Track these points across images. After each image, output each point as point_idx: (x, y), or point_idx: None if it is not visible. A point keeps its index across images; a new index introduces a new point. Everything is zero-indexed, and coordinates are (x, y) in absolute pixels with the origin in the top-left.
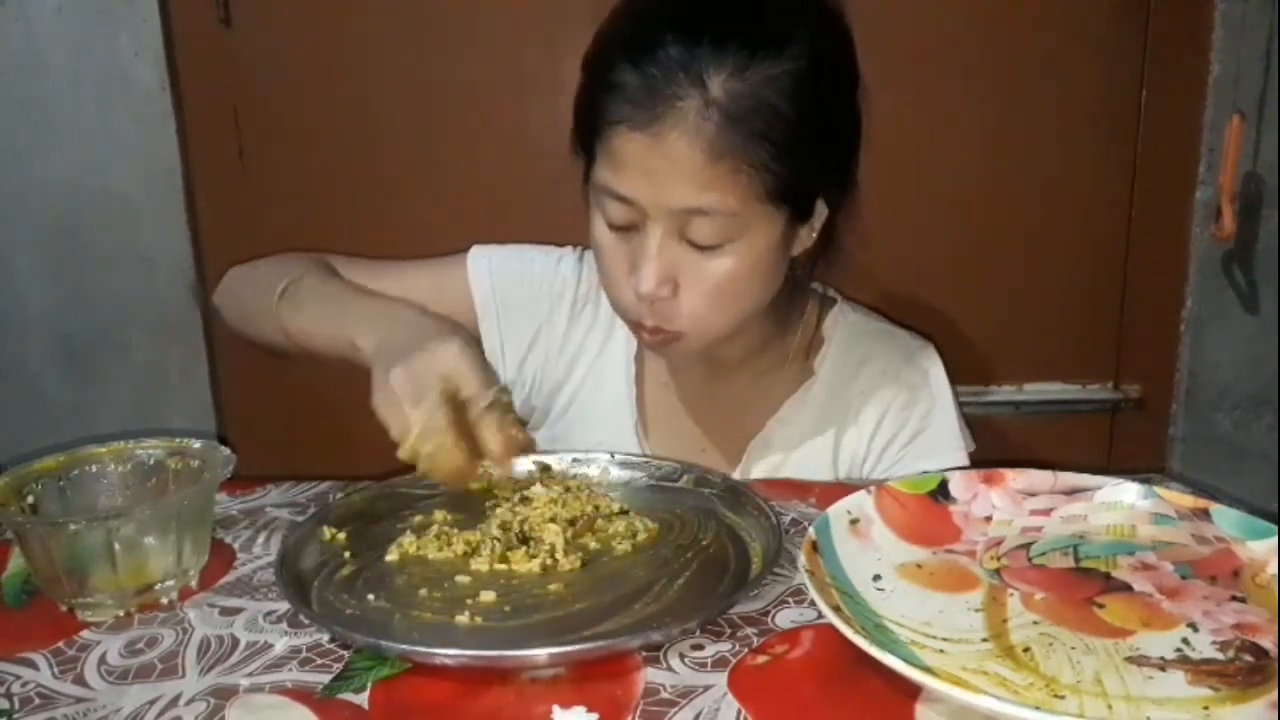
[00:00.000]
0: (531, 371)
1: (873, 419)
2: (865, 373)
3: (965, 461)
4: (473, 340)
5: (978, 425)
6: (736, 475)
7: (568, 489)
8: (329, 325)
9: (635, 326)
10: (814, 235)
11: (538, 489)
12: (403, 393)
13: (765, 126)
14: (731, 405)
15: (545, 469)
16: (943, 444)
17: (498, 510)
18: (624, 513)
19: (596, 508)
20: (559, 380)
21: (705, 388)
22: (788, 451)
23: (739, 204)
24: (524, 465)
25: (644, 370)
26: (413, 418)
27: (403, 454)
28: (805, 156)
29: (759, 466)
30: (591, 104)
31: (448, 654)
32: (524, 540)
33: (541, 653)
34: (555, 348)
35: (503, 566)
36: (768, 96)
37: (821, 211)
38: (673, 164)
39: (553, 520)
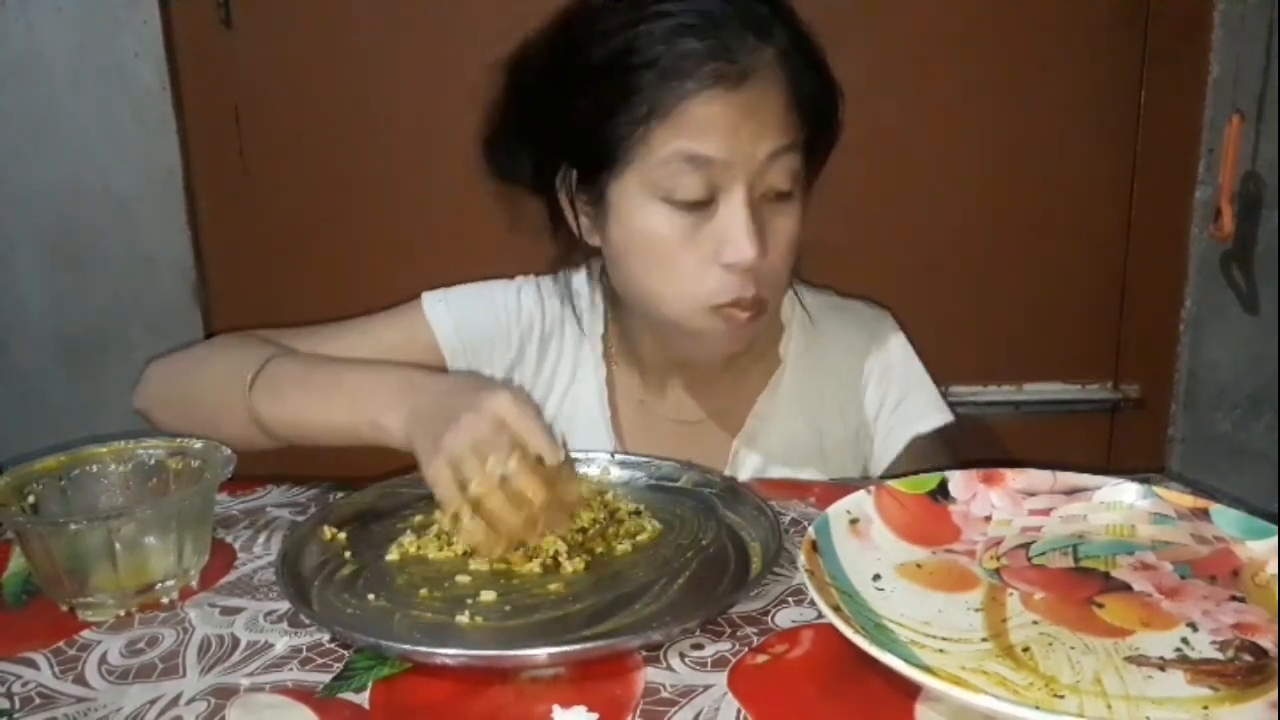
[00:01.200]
0: None
1: (853, 396)
2: (831, 351)
3: (952, 420)
4: (521, 391)
5: (977, 425)
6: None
7: (581, 495)
8: (334, 409)
9: (720, 313)
10: None
11: None
12: (462, 455)
13: (814, 70)
14: (708, 411)
15: None
16: (928, 406)
17: None
18: (637, 513)
19: (613, 514)
20: None
21: (682, 398)
22: (771, 444)
23: (802, 140)
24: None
25: (616, 394)
26: (478, 470)
27: (449, 510)
28: (824, 102)
29: (746, 465)
30: (636, 89)
31: (448, 654)
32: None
33: (542, 652)
34: (529, 382)
35: (502, 566)
36: (803, 46)
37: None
38: (763, 114)
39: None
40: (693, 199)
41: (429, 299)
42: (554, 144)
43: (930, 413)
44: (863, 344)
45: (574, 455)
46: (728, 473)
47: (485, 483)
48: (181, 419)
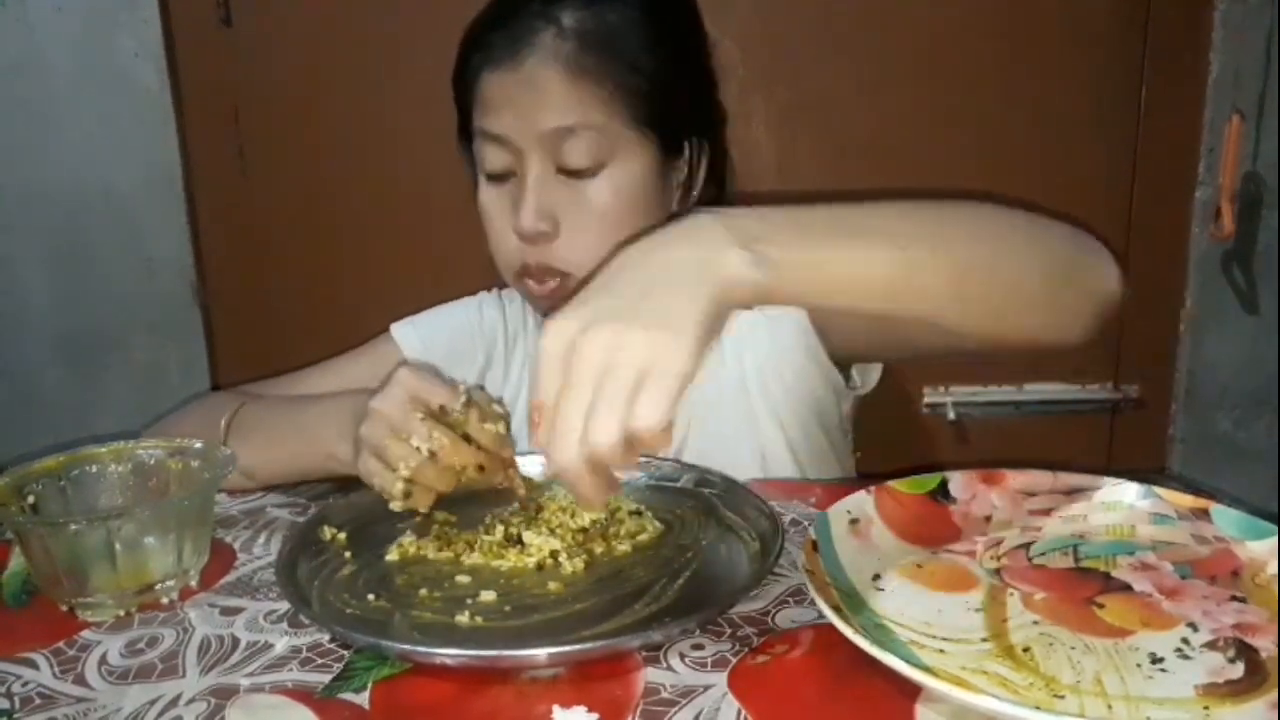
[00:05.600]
0: None
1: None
2: None
3: None
4: (418, 363)
5: (978, 425)
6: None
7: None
8: (294, 446)
9: (521, 278)
10: (694, 193)
11: (555, 492)
12: (379, 438)
13: (618, 49)
14: None
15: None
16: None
17: (497, 512)
18: (638, 513)
19: (613, 513)
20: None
21: None
22: (701, 385)
23: (604, 119)
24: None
25: None
26: (403, 450)
27: (397, 494)
28: (660, 82)
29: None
30: (463, 75)
31: (448, 654)
32: (518, 540)
33: (541, 652)
34: (499, 385)
35: (500, 563)
36: (616, 25)
37: (688, 158)
38: (536, 88)
39: (555, 529)
40: (497, 171)
41: (396, 326)
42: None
43: None
44: None
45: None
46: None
47: (415, 466)
48: None
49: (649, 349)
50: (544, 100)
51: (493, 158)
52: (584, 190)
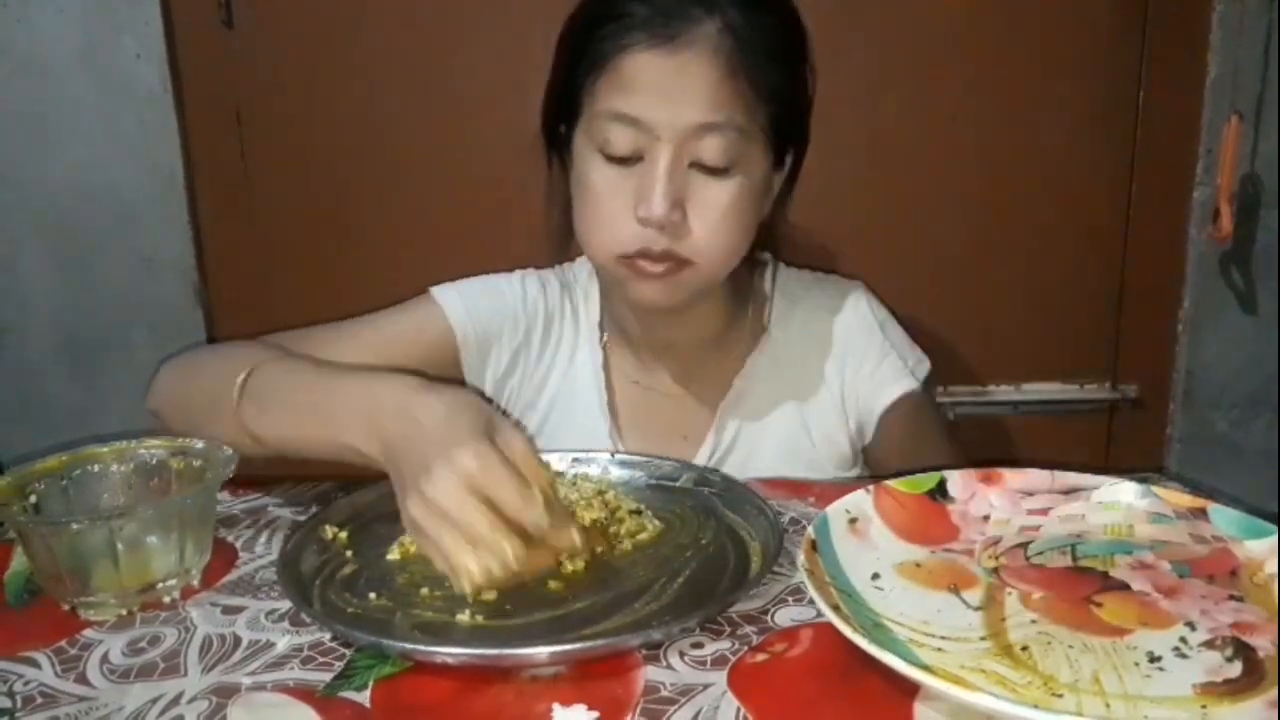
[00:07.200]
0: (508, 391)
1: (835, 359)
2: (811, 318)
3: (914, 387)
4: (482, 410)
5: (977, 425)
6: (710, 440)
7: (581, 494)
8: (312, 427)
9: (632, 260)
10: (771, 197)
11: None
12: (441, 539)
13: (767, 54)
14: (701, 383)
15: (557, 474)
16: (893, 376)
17: None
18: (637, 512)
19: (613, 513)
20: (531, 399)
21: (675, 374)
22: (754, 407)
23: (747, 122)
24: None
25: (611, 374)
26: (473, 562)
27: (469, 587)
28: (791, 92)
29: (729, 429)
30: (589, 44)
31: (449, 652)
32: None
33: (542, 651)
34: (531, 367)
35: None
36: (771, 28)
37: (780, 171)
38: (691, 81)
39: None
40: (621, 154)
41: (438, 289)
42: (552, 103)
43: (891, 383)
44: (837, 308)
45: (575, 457)
46: (710, 437)
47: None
48: (184, 424)
49: None
50: (696, 93)
51: (620, 140)
52: (710, 185)
